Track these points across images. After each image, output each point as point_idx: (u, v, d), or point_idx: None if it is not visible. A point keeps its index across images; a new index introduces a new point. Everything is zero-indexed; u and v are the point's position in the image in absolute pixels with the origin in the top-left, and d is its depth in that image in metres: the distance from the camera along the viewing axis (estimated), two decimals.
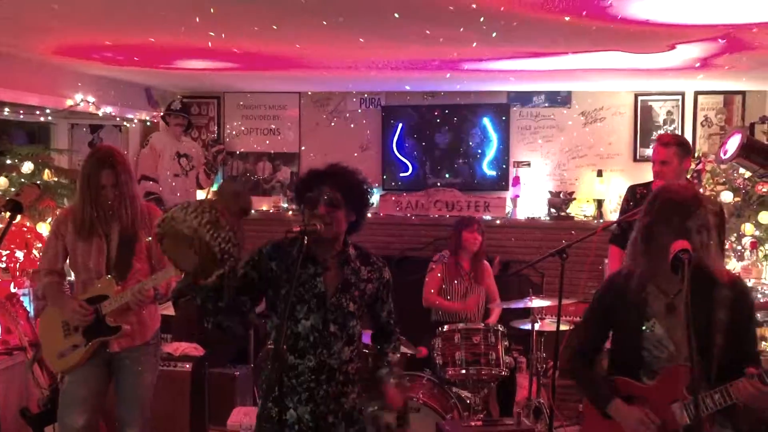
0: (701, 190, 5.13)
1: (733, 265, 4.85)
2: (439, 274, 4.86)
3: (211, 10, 3.18)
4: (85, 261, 3.26)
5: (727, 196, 4.92)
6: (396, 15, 3.19)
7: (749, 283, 4.53)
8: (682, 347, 2.29)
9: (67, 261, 3.36)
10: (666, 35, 3.56)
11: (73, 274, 3.45)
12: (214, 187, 6.33)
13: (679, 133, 5.73)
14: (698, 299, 2.24)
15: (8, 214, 3.13)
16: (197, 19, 3.36)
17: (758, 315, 4.42)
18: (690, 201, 2.30)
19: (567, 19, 3.20)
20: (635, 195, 4.14)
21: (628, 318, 2.38)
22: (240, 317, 2.42)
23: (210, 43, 3.87)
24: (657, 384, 2.32)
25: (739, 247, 4.86)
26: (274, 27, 3.47)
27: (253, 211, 6.30)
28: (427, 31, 3.55)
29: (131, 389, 3.34)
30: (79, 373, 3.27)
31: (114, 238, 3.25)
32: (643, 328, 2.35)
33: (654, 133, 5.78)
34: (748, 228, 4.76)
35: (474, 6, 3.01)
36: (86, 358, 3.24)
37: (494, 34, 3.55)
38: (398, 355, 2.75)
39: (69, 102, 4.92)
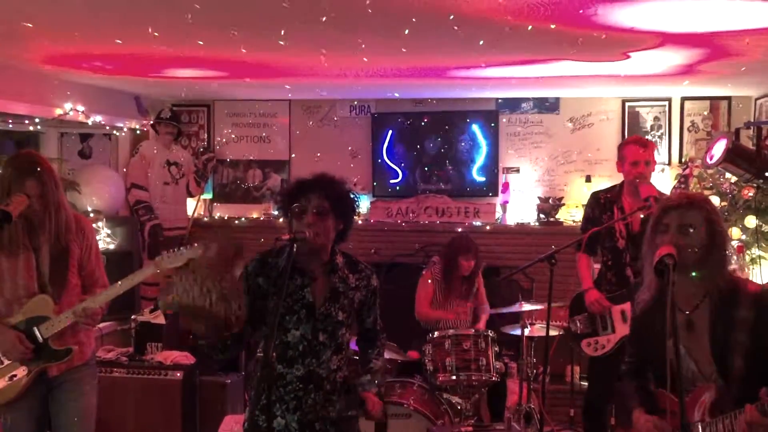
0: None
1: None
2: (429, 281, 4.87)
3: (203, 24, 3.20)
4: (12, 278, 2.94)
5: (713, 201, 4.96)
6: (385, 23, 3.22)
7: None
8: (702, 365, 2.22)
9: None
10: (653, 41, 3.60)
11: None
12: (207, 195, 6.34)
13: (666, 139, 5.80)
14: (719, 318, 2.19)
15: None
16: (186, 28, 3.38)
17: None
18: (676, 198, 2.29)
19: (553, 27, 3.23)
20: (599, 201, 4.19)
21: (655, 337, 2.28)
22: (243, 343, 2.47)
23: (199, 52, 3.88)
24: (688, 401, 2.19)
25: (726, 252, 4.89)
26: (271, 41, 3.48)
27: (243, 219, 6.31)
28: (415, 40, 3.58)
29: (73, 414, 3.05)
30: (22, 408, 2.96)
31: (44, 251, 2.96)
32: (666, 347, 2.21)
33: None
34: (734, 232, 4.80)
35: (461, 14, 3.04)
36: (26, 388, 2.93)
37: (481, 42, 3.58)
38: (381, 362, 2.75)
39: (58, 111, 4.91)
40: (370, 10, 3.00)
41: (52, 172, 2.99)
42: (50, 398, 3.05)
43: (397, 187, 6.14)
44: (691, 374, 2.24)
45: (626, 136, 5.85)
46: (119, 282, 2.99)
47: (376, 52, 3.99)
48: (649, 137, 5.80)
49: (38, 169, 2.92)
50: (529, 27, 3.22)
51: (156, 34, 3.44)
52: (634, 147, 3.94)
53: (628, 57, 3.95)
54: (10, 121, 4.80)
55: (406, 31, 3.35)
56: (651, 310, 2.33)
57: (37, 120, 4.91)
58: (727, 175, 4.90)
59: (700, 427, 2.15)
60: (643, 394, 2.38)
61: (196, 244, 2.87)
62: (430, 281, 4.88)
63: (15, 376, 2.91)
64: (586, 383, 4.78)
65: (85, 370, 3.11)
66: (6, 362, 2.93)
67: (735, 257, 4.79)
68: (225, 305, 2.22)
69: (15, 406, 2.95)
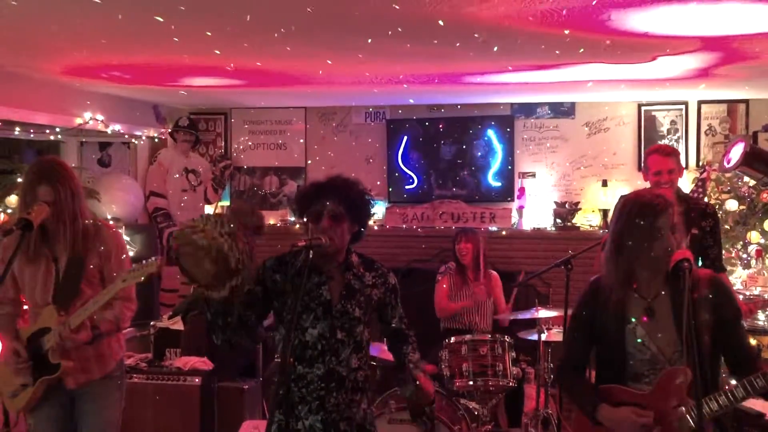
0: (706, 199, 5.14)
1: (739, 274, 4.85)
2: (444, 285, 4.89)
3: (220, 34, 3.24)
4: (31, 287, 2.93)
5: (732, 205, 4.94)
6: (400, 30, 3.24)
7: (756, 291, 4.54)
8: (664, 348, 2.31)
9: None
10: (664, 47, 3.60)
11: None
12: (224, 201, 6.39)
13: (683, 142, 5.76)
14: (679, 302, 2.23)
15: (20, 232, 3.08)
16: (205, 36, 3.42)
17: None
18: (658, 202, 2.32)
19: (566, 32, 3.24)
20: None
21: (610, 324, 2.39)
22: (246, 332, 2.45)
23: (216, 62, 3.92)
24: (655, 389, 2.29)
25: (745, 255, 4.86)
26: (288, 48, 3.51)
27: None
28: (431, 45, 3.60)
29: (96, 428, 3.01)
30: (42, 414, 2.96)
31: (63, 261, 2.91)
32: (626, 332, 2.36)
33: (658, 142, 5.78)
34: (753, 236, 4.77)
35: (476, 21, 3.05)
36: (37, 398, 2.90)
37: (495, 48, 3.59)
38: (417, 355, 2.71)
39: (78, 120, 4.99)
40: (384, 21, 3.03)
41: (69, 180, 2.91)
42: (75, 408, 3.02)
43: (413, 193, 6.15)
44: (650, 357, 2.34)
45: (643, 141, 5.84)
46: (89, 302, 2.86)
47: (390, 58, 4.01)
48: (665, 141, 5.77)
49: (53, 175, 2.85)
50: (566, 31, 3.22)
51: (176, 39, 3.49)
52: (656, 156, 3.85)
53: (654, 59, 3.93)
54: (32, 130, 4.87)
55: (433, 40, 3.36)
56: (606, 303, 2.38)
57: (57, 129, 4.98)
58: (745, 178, 4.87)
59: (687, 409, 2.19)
60: (596, 390, 2.41)
61: (154, 258, 2.82)
62: (444, 285, 4.90)
63: (26, 385, 2.91)
64: None
65: (108, 383, 3.04)
66: (22, 371, 2.92)
67: (754, 261, 4.76)
68: (231, 243, 2.14)
69: (37, 413, 2.96)
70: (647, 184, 4.09)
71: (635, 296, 2.39)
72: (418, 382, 2.56)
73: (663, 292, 2.35)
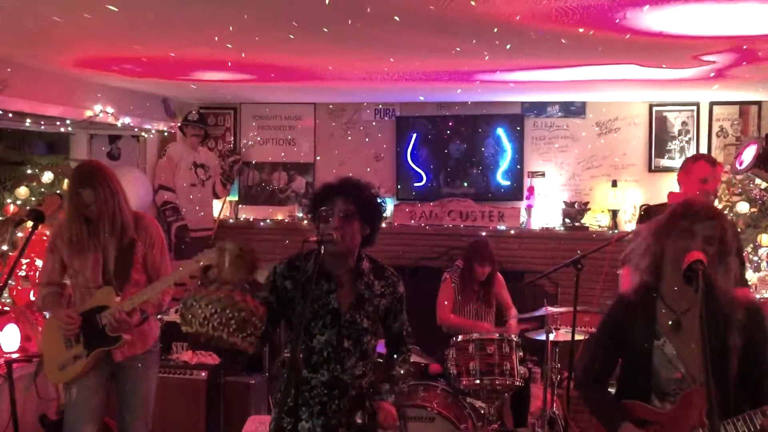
0: (716, 201, 5.11)
1: (749, 277, 4.82)
2: (452, 287, 4.86)
3: (230, 28, 3.24)
4: (83, 273, 3.30)
5: (743, 207, 4.91)
6: (411, 26, 3.23)
7: (766, 294, 4.51)
8: (692, 368, 2.22)
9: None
10: (680, 47, 3.57)
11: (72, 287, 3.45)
12: (232, 197, 6.39)
13: (695, 144, 5.73)
14: (710, 322, 2.14)
15: (31, 223, 3.19)
16: (215, 33, 3.42)
17: None
18: (703, 208, 2.24)
19: (581, 30, 3.22)
20: (651, 217, 4.11)
21: (638, 337, 2.30)
22: (265, 341, 2.49)
23: (228, 56, 3.91)
24: (674, 409, 2.22)
25: (756, 258, 4.83)
26: (291, 36, 3.50)
27: (268, 221, 6.33)
28: (442, 44, 3.58)
29: (134, 397, 3.38)
30: (86, 384, 3.28)
31: (110, 250, 3.30)
32: (654, 347, 2.27)
33: (669, 143, 5.78)
34: (764, 239, 4.73)
35: (488, 18, 3.04)
36: (88, 369, 3.25)
37: (508, 47, 3.57)
38: (404, 370, 2.72)
39: (88, 113, 5.00)
40: (396, 17, 3.02)
41: (106, 180, 3.25)
42: (117, 380, 3.38)
43: (422, 191, 6.14)
44: (678, 376, 2.25)
45: (653, 141, 5.81)
46: (146, 289, 3.19)
47: (402, 55, 4.00)
48: (676, 142, 5.75)
49: (93, 180, 3.22)
50: (580, 30, 3.20)
51: (187, 31, 3.48)
52: (704, 163, 3.87)
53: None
54: (42, 122, 4.89)
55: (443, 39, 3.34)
56: (635, 314, 2.31)
57: (68, 122, 4.99)
58: (757, 181, 4.84)
59: None
60: (620, 406, 2.34)
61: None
62: (451, 285, 4.87)
63: (78, 357, 3.24)
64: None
65: (148, 358, 3.42)
66: (74, 344, 3.25)
67: (765, 264, 4.73)
68: (242, 335, 2.24)
69: (80, 383, 3.27)
70: (666, 188, 4.08)
71: (664, 308, 2.29)
72: (376, 416, 2.55)
73: (695, 307, 2.20)
